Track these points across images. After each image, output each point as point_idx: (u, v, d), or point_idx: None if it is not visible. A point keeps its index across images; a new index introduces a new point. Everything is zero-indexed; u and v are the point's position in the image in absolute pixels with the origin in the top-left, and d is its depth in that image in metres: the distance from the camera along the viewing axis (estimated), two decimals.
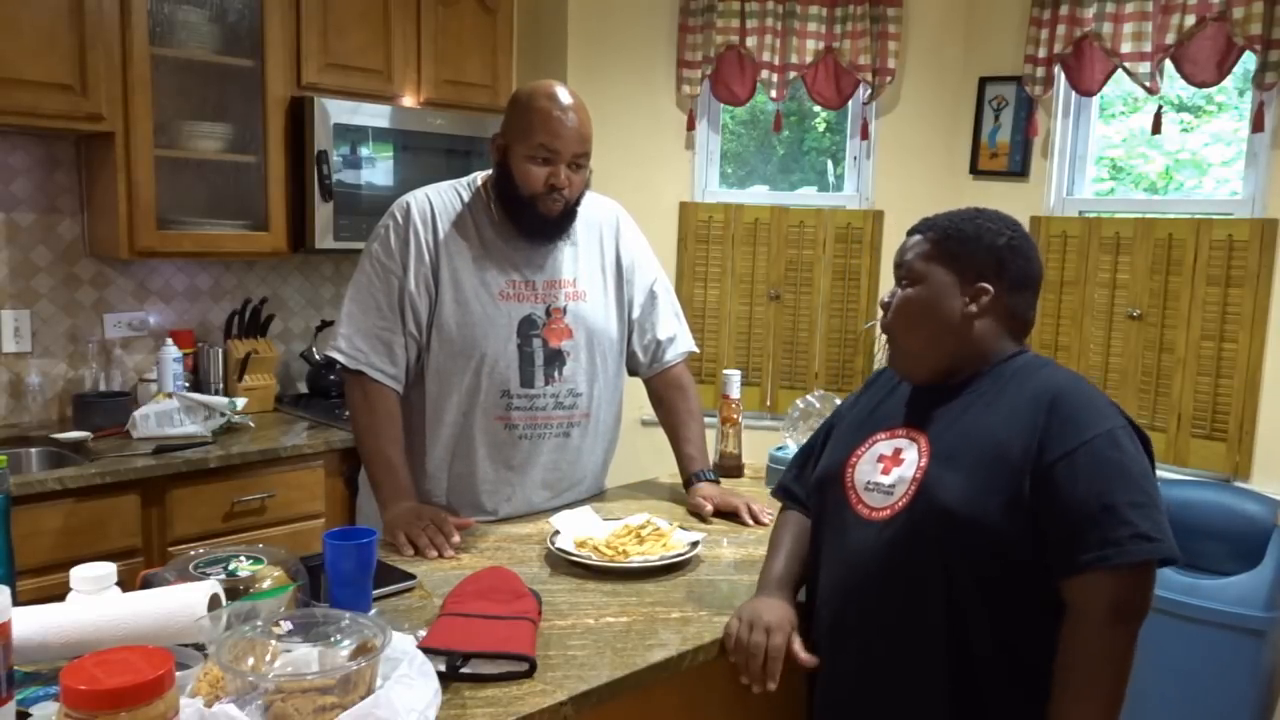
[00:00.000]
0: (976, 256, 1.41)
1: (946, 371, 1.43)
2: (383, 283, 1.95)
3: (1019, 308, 1.44)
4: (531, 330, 1.97)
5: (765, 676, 1.43)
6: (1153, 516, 1.26)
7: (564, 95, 1.92)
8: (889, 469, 1.41)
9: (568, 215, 1.98)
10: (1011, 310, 1.43)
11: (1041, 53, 3.28)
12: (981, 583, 1.31)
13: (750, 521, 1.97)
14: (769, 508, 1.95)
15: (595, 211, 2.11)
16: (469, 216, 2.00)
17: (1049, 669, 1.31)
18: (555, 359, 1.99)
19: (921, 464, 1.37)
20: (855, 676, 1.42)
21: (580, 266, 2.05)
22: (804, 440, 2.24)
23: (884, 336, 1.53)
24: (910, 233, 1.49)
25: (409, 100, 3.20)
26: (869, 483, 1.42)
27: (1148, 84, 3.07)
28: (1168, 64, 3.06)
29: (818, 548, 1.53)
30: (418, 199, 2.01)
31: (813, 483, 1.56)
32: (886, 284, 3.57)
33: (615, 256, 2.11)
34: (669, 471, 2.40)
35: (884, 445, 1.44)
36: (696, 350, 2.26)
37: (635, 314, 2.15)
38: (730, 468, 2.33)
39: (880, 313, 1.51)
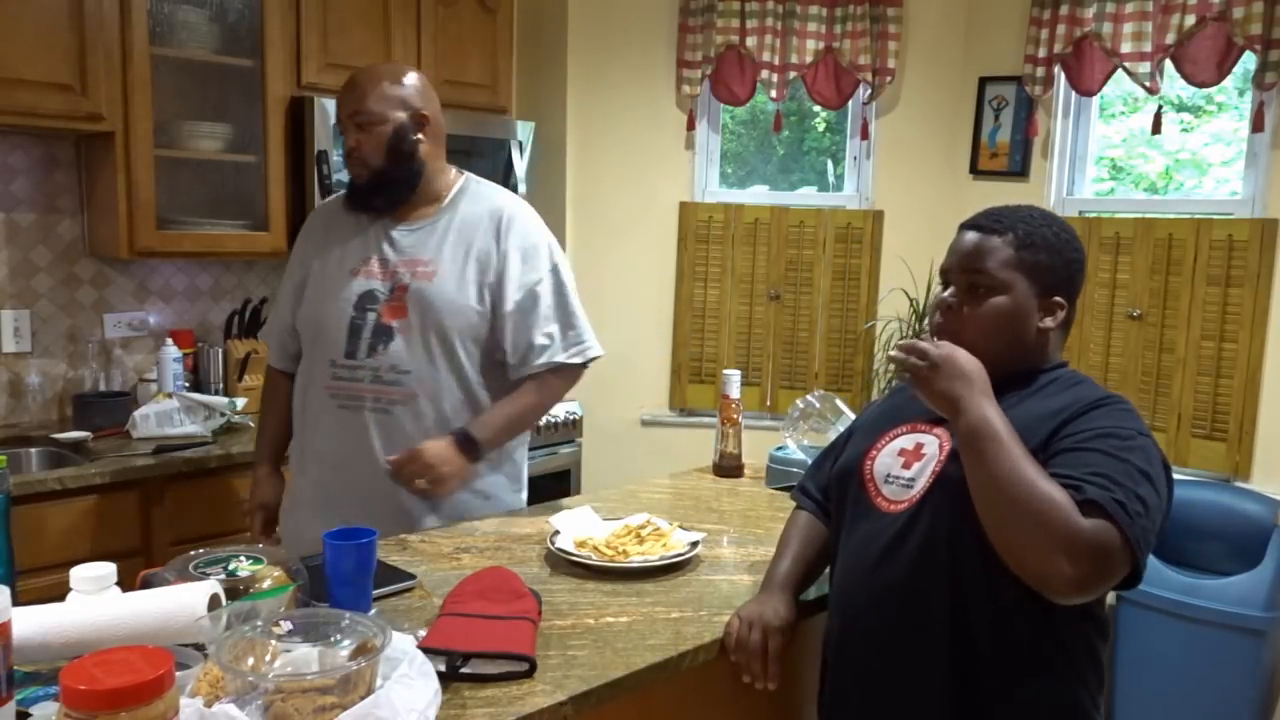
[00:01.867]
0: (1055, 269, 1.38)
1: (1000, 373, 1.36)
2: (284, 284, 2.19)
3: (1071, 318, 1.44)
4: (370, 304, 2.01)
5: (764, 676, 1.44)
6: (1150, 509, 1.21)
7: (363, 68, 2.07)
8: (910, 463, 1.39)
9: (386, 183, 2.00)
10: (1069, 322, 1.43)
11: (1041, 53, 3.28)
12: (989, 576, 1.29)
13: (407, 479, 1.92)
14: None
15: (484, 203, 2.06)
16: (351, 209, 2.09)
17: (1050, 664, 1.31)
18: (383, 334, 1.99)
19: (941, 457, 1.36)
20: (863, 665, 1.42)
21: (444, 250, 2.01)
22: (804, 440, 2.26)
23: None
24: (974, 227, 1.41)
25: None
26: (889, 475, 1.41)
27: (1148, 84, 3.07)
28: (1168, 64, 3.06)
29: (836, 541, 1.52)
30: (322, 204, 2.23)
31: (833, 477, 1.55)
32: (887, 284, 3.59)
33: (491, 248, 2.02)
34: (669, 471, 2.40)
35: (905, 439, 1.43)
36: (572, 363, 2.04)
37: (508, 308, 2.01)
38: (730, 468, 2.33)
39: (932, 314, 1.43)
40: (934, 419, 1.41)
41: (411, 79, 2.02)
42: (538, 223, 2.09)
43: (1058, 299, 1.39)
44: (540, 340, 2.02)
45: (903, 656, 1.36)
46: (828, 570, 1.56)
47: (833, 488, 1.55)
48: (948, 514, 1.32)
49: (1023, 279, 1.37)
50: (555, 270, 2.06)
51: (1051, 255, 1.38)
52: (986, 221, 1.40)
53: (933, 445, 1.39)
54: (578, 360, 2.06)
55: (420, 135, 2.00)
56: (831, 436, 2.22)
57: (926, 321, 1.48)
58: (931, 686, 1.34)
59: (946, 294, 1.41)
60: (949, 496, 1.32)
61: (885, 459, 1.44)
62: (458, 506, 2.04)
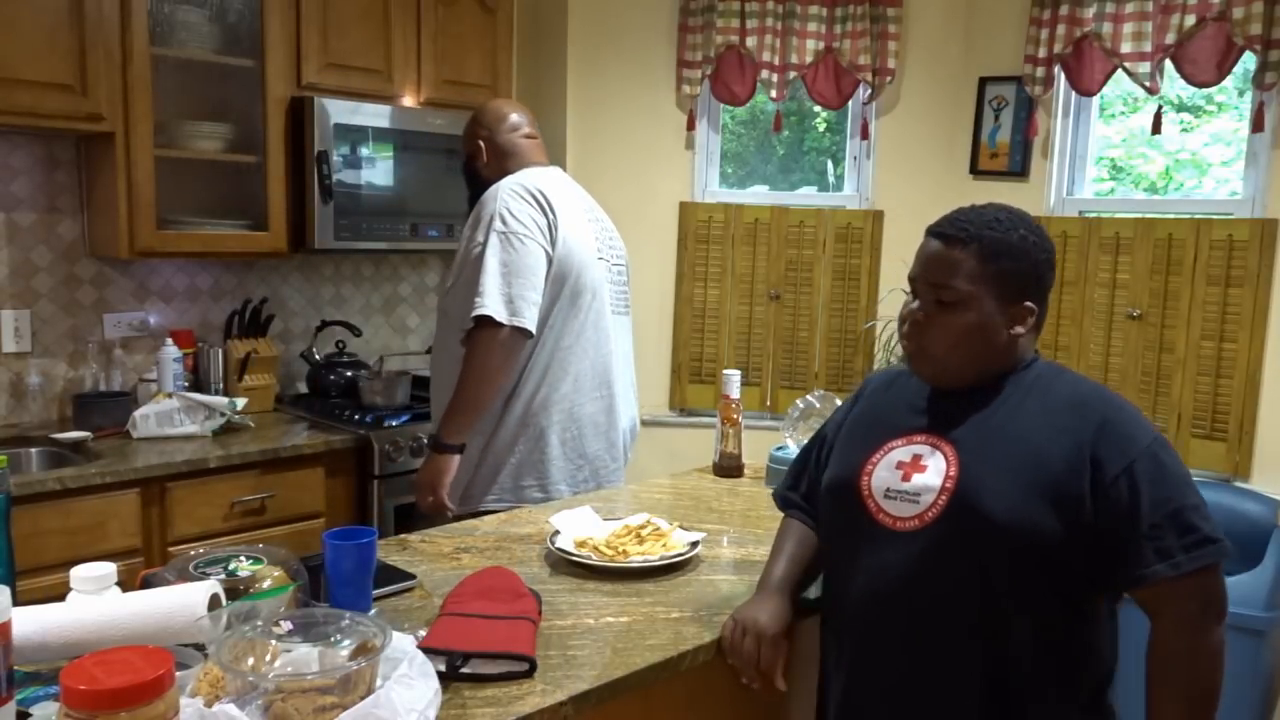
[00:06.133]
0: (1021, 275, 1.36)
1: (975, 380, 1.40)
2: None
3: (1043, 315, 1.42)
4: None
5: (759, 680, 1.43)
6: (1209, 517, 1.28)
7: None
8: (909, 475, 1.37)
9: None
10: (1040, 320, 1.41)
11: (1041, 53, 3.28)
12: (1019, 589, 1.29)
13: None
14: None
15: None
16: None
17: (1081, 667, 1.32)
18: None
19: (951, 473, 1.34)
20: (884, 685, 1.39)
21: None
22: (804, 440, 2.25)
23: (898, 344, 1.50)
24: (939, 235, 1.39)
25: (409, 100, 3.20)
26: (889, 490, 1.38)
27: (1148, 84, 3.07)
28: (1168, 64, 3.06)
29: (832, 557, 1.50)
30: None
31: (823, 490, 1.52)
32: (887, 284, 3.59)
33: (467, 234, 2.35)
34: (669, 471, 2.40)
35: (900, 451, 1.40)
36: (468, 327, 2.19)
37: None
38: (730, 468, 2.33)
39: (901, 325, 1.44)
40: (925, 428, 1.40)
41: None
42: (492, 193, 2.26)
43: (1027, 304, 1.37)
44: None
45: (935, 671, 1.34)
46: (823, 588, 1.53)
47: (824, 501, 1.52)
48: (974, 530, 1.30)
49: (988, 290, 1.35)
50: (486, 239, 2.19)
51: (1017, 261, 1.35)
52: (952, 230, 1.37)
53: (934, 458, 1.37)
54: (471, 320, 2.15)
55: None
56: None
57: (897, 330, 1.49)
58: (966, 695, 1.33)
59: (914, 306, 1.40)
60: (973, 512, 1.30)
61: (882, 473, 1.40)
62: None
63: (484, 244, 2.18)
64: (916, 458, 1.38)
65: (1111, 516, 1.27)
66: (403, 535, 1.88)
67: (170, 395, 2.75)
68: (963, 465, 1.33)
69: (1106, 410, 1.32)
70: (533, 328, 2.17)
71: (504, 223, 2.19)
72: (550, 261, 2.21)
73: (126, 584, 1.30)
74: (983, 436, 1.35)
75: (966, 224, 1.37)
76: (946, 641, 1.33)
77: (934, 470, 1.35)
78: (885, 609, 1.37)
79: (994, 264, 1.35)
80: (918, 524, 1.34)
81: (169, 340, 2.92)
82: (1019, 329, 1.37)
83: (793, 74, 3.55)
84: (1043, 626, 1.31)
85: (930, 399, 1.44)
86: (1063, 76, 3.28)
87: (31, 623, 1.16)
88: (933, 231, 1.40)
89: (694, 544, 1.75)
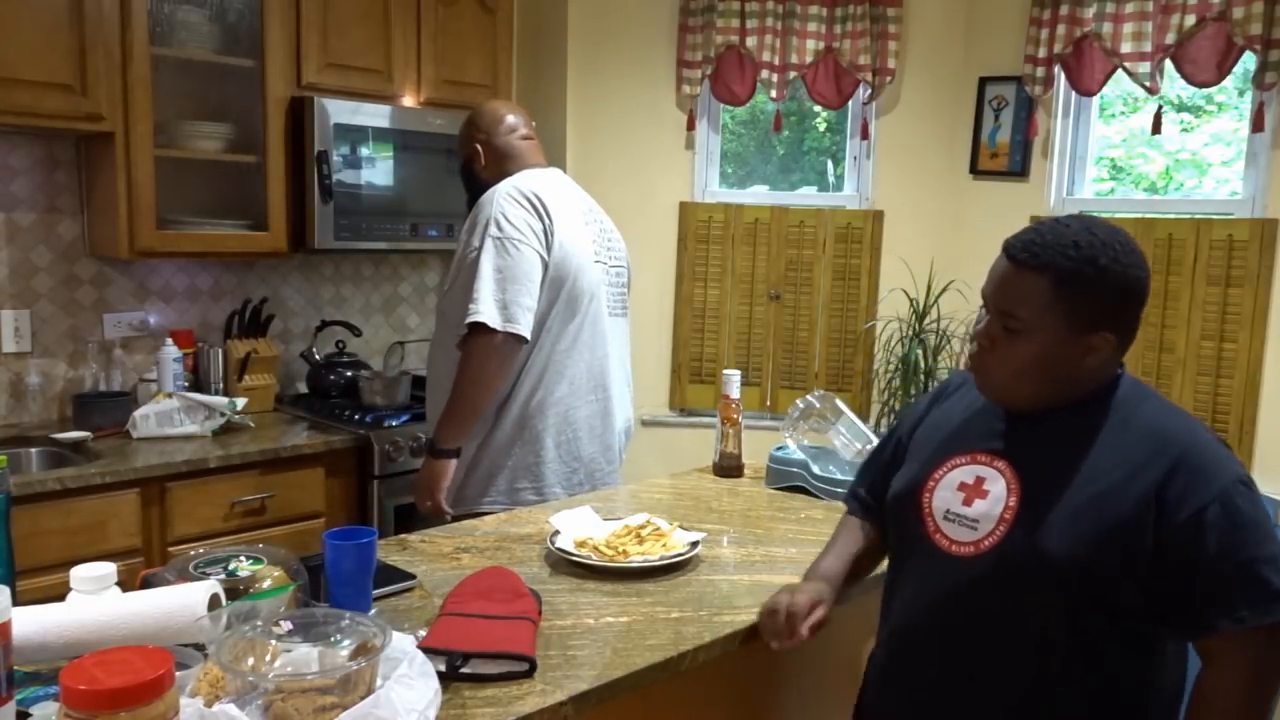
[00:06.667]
0: (1098, 306, 1.26)
1: (1046, 404, 1.33)
2: None
3: (1130, 336, 1.31)
4: None
5: (785, 632, 1.40)
6: (1268, 563, 1.21)
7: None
8: (971, 500, 1.33)
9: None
10: (1124, 344, 1.31)
11: (1041, 52, 3.28)
12: (1071, 627, 1.26)
13: None
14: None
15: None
16: None
17: (1129, 700, 1.29)
18: None
19: (1011, 503, 1.29)
20: (927, 704, 1.37)
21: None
22: (804, 440, 2.26)
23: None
24: (1012, 257, 1.29)
25: (409, 100, 3.20)
26: (948, 512, 1.34)
27: (1148, 84, 3.07)
28: (1168, 64, 3.06)
29: (892, 562, 1.48)
30: None
31: (889, 500, 1.48)
32: (887, 284, 3.59)
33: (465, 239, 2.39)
34: (669, 471, 2.40)
35: (963, 471, 1.36)
36: (462, 333, 2.18)
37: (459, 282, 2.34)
38: (730, 468, 2.33)
39: (970, 341, 1.39)
40: (992, 449, 1.35)
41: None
42: (488, 197, 2.26)
43: (1105, 334, 1.27)
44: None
45: (971, 699, 1.32)
46: (883, 591, 1.51)
47: (888, 510, 1.48)
48: (1031, 565, 1.26)
49: (1059, 320, 1.26)
50: (481, 244, 2.19)
51: (1094, 291, 1.25)
52: (1024, 254, 1.27)
53: (996, 484, 1.32)
54: (465, 326, 2.15)
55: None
56: (831, 436, 2.23)
57: (967, 347, 1.45)
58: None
59: (980, 328, 1.34)
60: (1031, 547, 1.26)
61: (944, 492, 1.36)
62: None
63: (479, 249, 2.18)
64: (980, 480, 1.34)
65: (1175, 563, 1.21)
66: (403, 535, 1.88)
67: (170, 395, 2.76)
68: (1024, 497, 1.29)
69: (1185, 447, 1.24)
70: (527, 334, 2.16)
71: (499, 228, 2.18)
72: (546, 266, 2.21)
73: (126, 584, 1.30)
74: (1050, 467, 1.29)
75: (1040, 247, 1.27)
76: (986, 671, 1.31)
77: (994, 496, 1.31)
78: (935, 629, 1.35)
79: (1067, 293, 1.25)
80: (973, 551, 1.30)
81: (169, 340, 2.92)
82: (1091, 360, 1.29)
83: (793, 74, 3.55)
84: (1095, 665, 1.26)
85: (1003, 417, 1.37)
86: (1063, 76, 3.29)
87: (31, 623, 1.16)
88: (1007, 250, 1.31)
89: (694, 544, 1.75)
